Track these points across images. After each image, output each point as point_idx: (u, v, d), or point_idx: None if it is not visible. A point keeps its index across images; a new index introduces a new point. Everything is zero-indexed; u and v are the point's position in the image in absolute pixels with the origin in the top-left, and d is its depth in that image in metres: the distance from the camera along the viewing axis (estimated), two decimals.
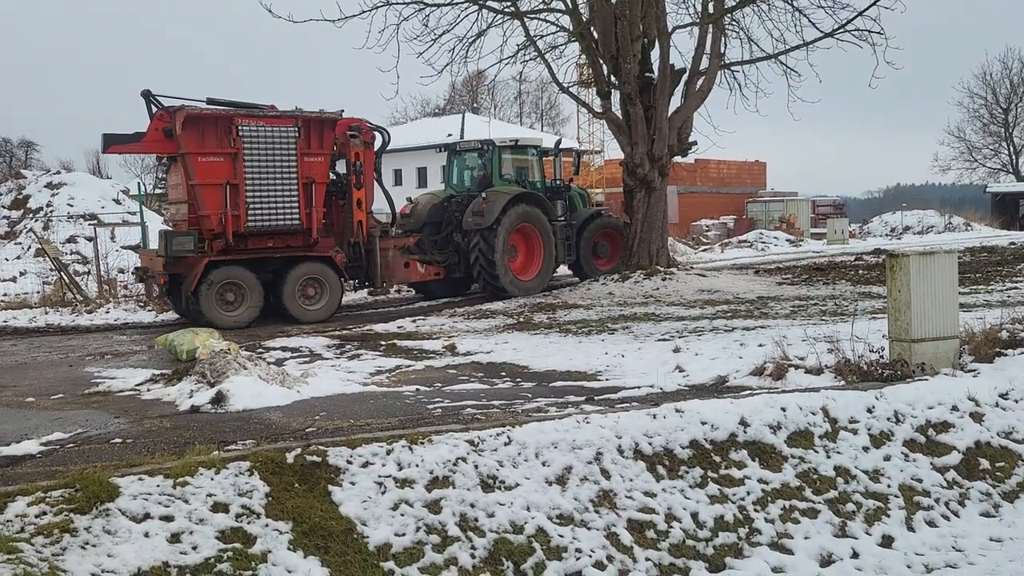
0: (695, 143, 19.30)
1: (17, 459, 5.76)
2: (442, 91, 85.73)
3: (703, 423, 6.43)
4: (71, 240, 24.09)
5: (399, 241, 15.90)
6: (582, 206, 18.83)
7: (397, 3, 17.07)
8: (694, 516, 5.79)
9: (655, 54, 18.41)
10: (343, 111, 14.65)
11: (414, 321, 13.87)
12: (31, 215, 26.75)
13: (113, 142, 13.51)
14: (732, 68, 19.54)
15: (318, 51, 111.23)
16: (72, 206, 26.28)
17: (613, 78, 18.57)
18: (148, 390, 8.28)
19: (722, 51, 18.77)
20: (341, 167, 15.32)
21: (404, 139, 53.01)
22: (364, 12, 16.76)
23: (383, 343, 11.60)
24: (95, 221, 22.89)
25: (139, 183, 18.93)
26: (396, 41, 17.27)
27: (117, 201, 27.87)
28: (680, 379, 8.34)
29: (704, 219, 41.33)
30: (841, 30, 17.84)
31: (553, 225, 17.07)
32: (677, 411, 6.51)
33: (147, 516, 4.58)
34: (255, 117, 13.55)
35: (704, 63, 18.57)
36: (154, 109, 13.40)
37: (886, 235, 42.46)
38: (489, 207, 15.95)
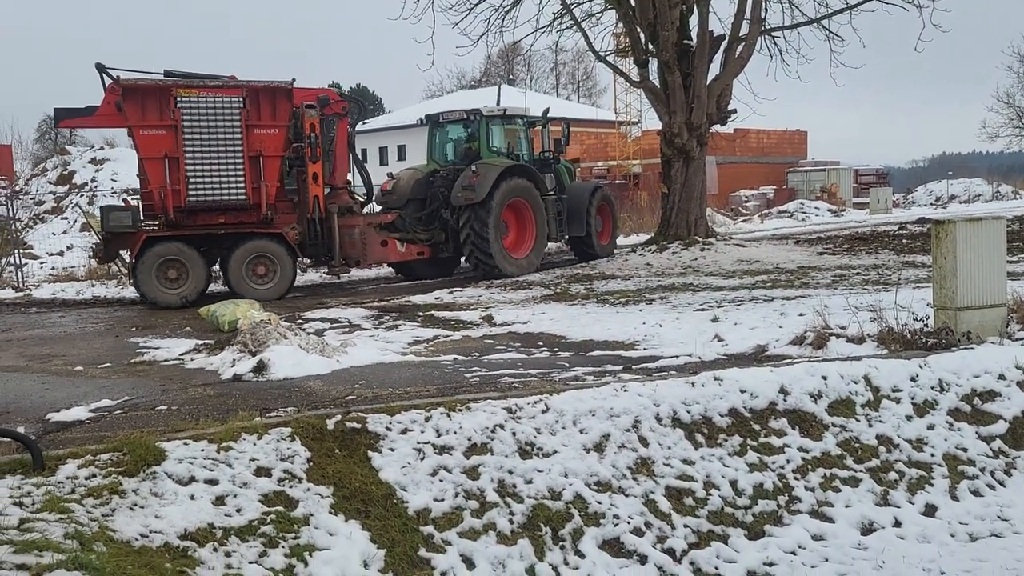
0: (734, 111, 19.01)
1: (67, 425, 5.92)
2: (478, 63, 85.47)
3: (742, 391, 6.39)
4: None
5: (374, 218, 15.12)
6: (569, 181, 17.68)
7: None
8: (733, 484, 5.76)
9: (693, 20, 18.12)
10: (294, 80, 13.59)
11: (451, 292, 13.92)
12: (76, 190, 27.30)
13: (65, 116, 13.28)
14: (772, 34, 19.18)
15: (342, 24, 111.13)
16: (116, 181, 26.75)
17: (650, 46, 18.32)
18: (192, 359, 8.42)
19: (762, 16, 18.41)
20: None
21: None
22: None
23: (420, 314, 11.66)
24: (138, 195, 23.19)
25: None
26: (432, 11, 17.24)
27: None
28: (719, 348, 8.28)
29: (743, 190, 40.77)
30: None
31: (545, 200, 16.03)
32: (716, 379, 6.47)
33: (192, 479, 4.67)
34: (196, 88, 12.82)
35: (744, 29, 18.23)
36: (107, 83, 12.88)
37: (931, 204, 41.61)
38: (480, 180, 14.79)
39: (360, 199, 15.75)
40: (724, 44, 18.37)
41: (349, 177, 15.71)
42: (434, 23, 17.43)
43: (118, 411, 6.30)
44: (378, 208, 16.23)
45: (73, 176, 28.34)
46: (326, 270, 15.39)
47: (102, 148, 32.23)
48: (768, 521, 5.63)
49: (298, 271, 14.71)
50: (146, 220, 13.36)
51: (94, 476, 4.46)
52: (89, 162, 28.82)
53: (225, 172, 12.96)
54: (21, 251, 16.36)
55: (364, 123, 58.85)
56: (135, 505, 4.32)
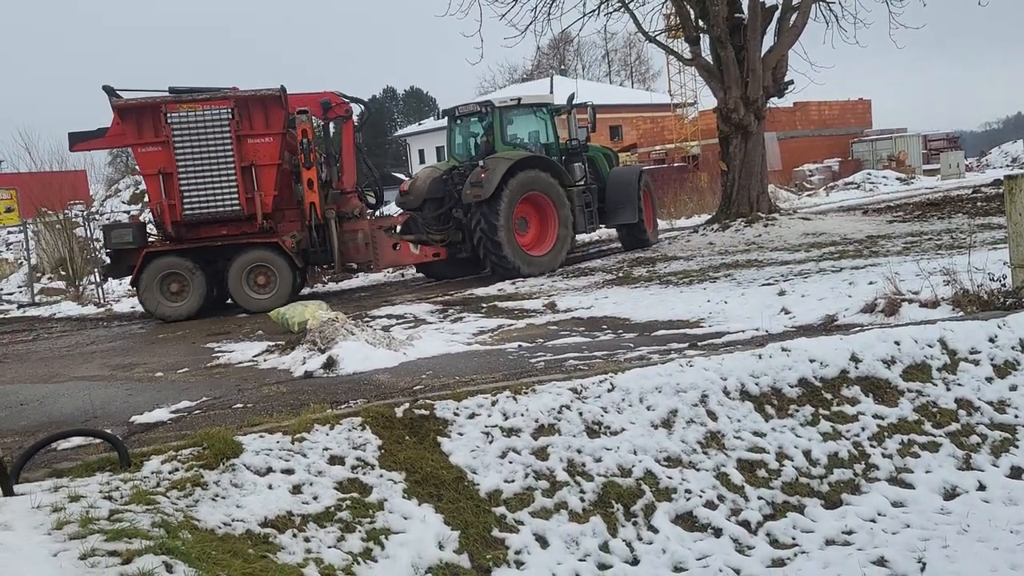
0: (791, 82, 18.61)
1: (150, 426, 6.15)
2: (528, 55, 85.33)
3: (811, 361, 6.29)
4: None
5: (383, 221, 14.76)
6: (608, 168, 16.78)
7: None
8: (806, 454, 5.68)
9: None
10: (283, 87, 13.30)
11: (513, 283, 13.97)
12: (148, 208, 28.15)
13: (78, 140, 13.54)
14: (827, 0, 18.69)
15: (392, 27, 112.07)
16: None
17: (701, 22, 18.06)
18: (264, 360, 8.65)
19: None
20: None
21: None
22: None
23: (484, 305, 11.75)
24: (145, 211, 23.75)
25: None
26: (478, 5, 17.28)
27: None
28: (786, 321, 8.14)
29: (807, 164, 39.83)
30: None
31: (569, 191, 15.04)
32: (784, 350, 6.37)
33: (269, 470, 4.82)
34: (185, 102, 12.86)
35: None
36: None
37: (1007, 166, 40.04)
38: (488, 176, 14.01)
39: (372, 201, 15.36)
40: (777, 14, 17.99)
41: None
42: (481, 16, 17.54)
43: (197, 411, 6.52)
44: (399, 210, 15.82)
45: (145, 195, 29.29)
46: (328, 277, 15.03)
47: None
48: (845, 490, 5.54)
49: (304, 278, 14.46)
50: (158, 235, 13.66)
51: (177, 470, 4.64)
52: None
53: (218, 184, 12.97)
54: (101, 269, 16.93)
55: (420, 124, 59.47)
56: (217, 496, 4.48)
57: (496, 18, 18.01)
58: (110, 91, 13.04)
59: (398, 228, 14.90)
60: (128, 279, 14.19)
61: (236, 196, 12.96)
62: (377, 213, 15.72)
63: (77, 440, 5.36)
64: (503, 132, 15.16)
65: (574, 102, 15.99)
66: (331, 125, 14.67)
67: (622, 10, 18.76)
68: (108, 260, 13.96)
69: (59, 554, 3.34)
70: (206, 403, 6.77)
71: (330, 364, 7.67)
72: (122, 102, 12.96)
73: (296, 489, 4.72)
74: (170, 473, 4.59)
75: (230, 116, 12.83)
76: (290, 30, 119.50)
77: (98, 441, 5.26)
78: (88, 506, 3.92)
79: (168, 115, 12.73)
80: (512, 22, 18.34)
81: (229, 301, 13.93)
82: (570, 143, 15.90)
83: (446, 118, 16.25)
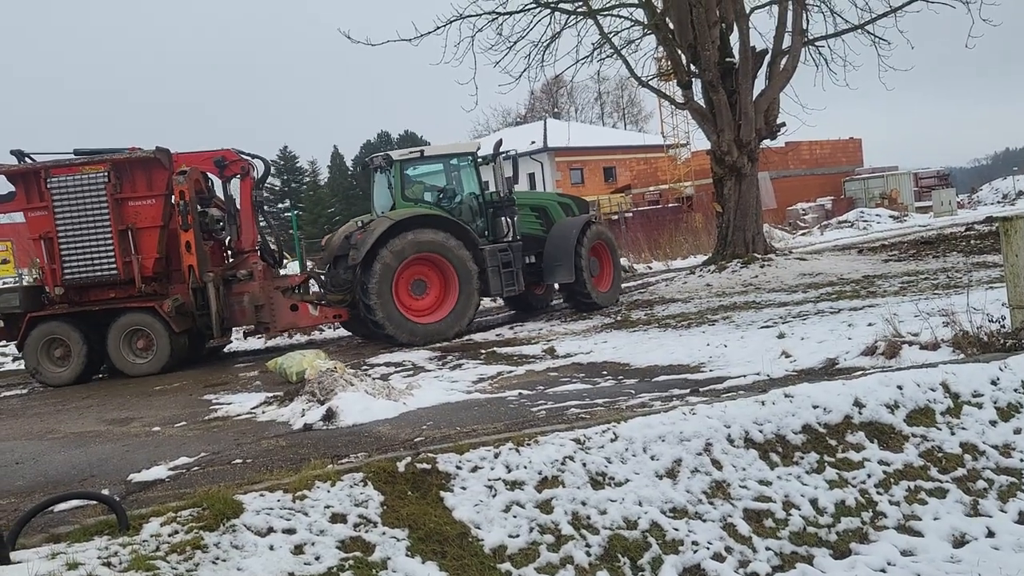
0: (783, 125, 18.82)
1: (148, 484, 6.06)
2: (522, 99, 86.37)
3: (815, 407, 6.25)
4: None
5: (280, 281, 13.94)
6: (557, 218, 15.29)
7: (471, 15, 17.31)
8: (813, 502, 5.62)
9: (734, 38, 18.07)
10: (157, 147, 13.08)
11: (511, 328, 13.95)
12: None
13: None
14: (816, 43, 19.01)
15: (386, 72, 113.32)
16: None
17: (693, 67, 18.31)
18: (263, 412, 8.58)
19: (804, 27, 18.29)
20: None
21: (487, 150, 53.60)
22: (439, 28, 17.09)
23: (483, 351, 11.71)
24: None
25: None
26: (472, 53, 17.55)
27: None
28: (787, 365, 8.12)
29: (800, 203, 40.15)
30: None
31: (480, 251, 13.71)
32: (786, 396, 6.34)
33: (271, 530, 4.74)
34: (63, 167, 12.83)
35: (786, 41, 18.11)
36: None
37: (998, 202, 40.35)
38: (364, 238, 13.13)
39: (285, 260, 14.94)
40: (767, 58, 18.26)
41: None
42: (475, 64, 17.73)
43: (196, 467, 6.43)
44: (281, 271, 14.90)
45: None
46: (211, 342, 14.03)
47: None
48: (853, 539, 5.47)
49: (195, 341, 13.74)
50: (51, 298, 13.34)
51: (176, 532, 4.56)
52: None
53: (94, 248, 12.86)
54: None
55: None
56: (217, 559, 4.40)
57: (490, 65, 18.23)
58: (19, 155, 13.15)
59: (301, 288, 13.97)
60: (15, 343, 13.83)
61: (113, 260, 12.86)
62: (284, 273, 14.98)
63: (75, 501, 5.27)
64: (402, 187, 14.04)
65: (500, 150, 14.64)
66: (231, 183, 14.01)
67: (615, 56, 19.02)
68: None
69: None
70: (205, 459, 6.69)
71: (330, 416, 7.61)
72: (7, 168, 13.03)
73: (298, 549, 4.64)
74: (170, 536, 4.51)
75: (106, 179, 12.78)
76: (289, 78, 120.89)
77: (95, 502, 5.18)
78: (87, 574, 3.84)
79: (48, 180, 12.80)
80: (506, 69, 18.55)
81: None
82: (495, 195, 14.55)
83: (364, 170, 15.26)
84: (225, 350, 15.60)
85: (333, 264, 14.14)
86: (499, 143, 14.82)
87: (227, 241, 14.22)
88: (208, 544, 4.47)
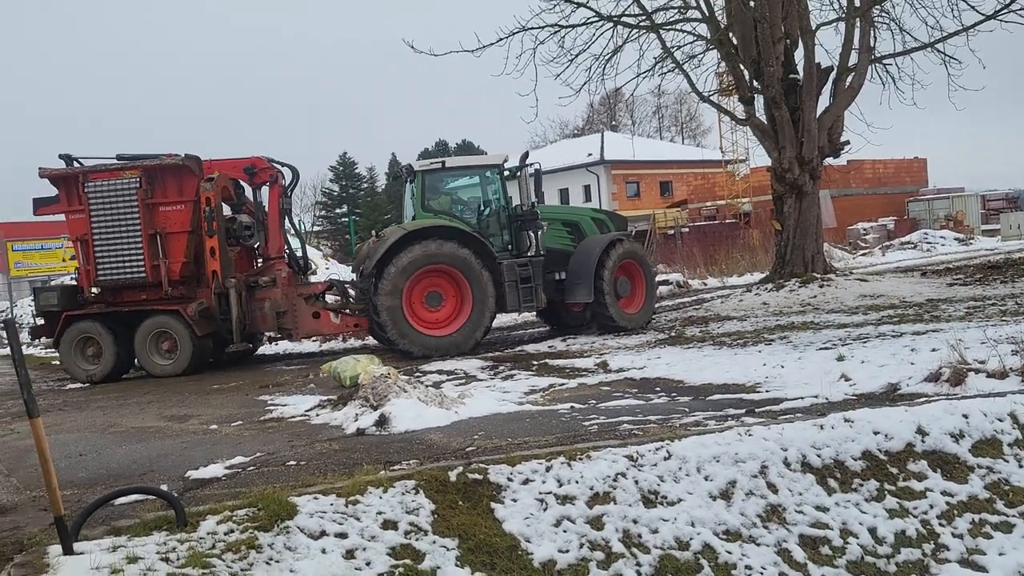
0: (847, 143, 18.47)
1: (205, 482, 6.18)
2: (580, 111, 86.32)
3: (875, 432, 6.10)
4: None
5: (304, 289, 14.20)
6: (599, 234, 14.78)
7: (533, 28, 17.36)
8: (872, 531, 5.48)
9: (799, 54, 17.82)
10: (186, 155, 13.45)
11: (564, 340, 13.91)
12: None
13: (41, 204, 14.08)
14: (884, 61, 18.63)
15: (445, 82, 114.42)
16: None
17: (755, 83, 18.09)
18: (317, 415, 8.68)
19: (872, 44, 17.94)
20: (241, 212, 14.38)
21: (544, 162, 53.68)
22: (501, 40, 17.16)
23: (535, 363, 11.69)
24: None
25: (300, 220, 19.93)
26: (533, 65, 17.56)
27: None
28: (846, 388, 7.93)
29: (861, 222, 39.33)
30: (1005, 10, 16.63)
31: (499, 264, 13.52)
32: (846, 421, 6.20)
33: (323, 533, 4.79)
34: (100, 172, 13.40)
35: (853, 59, 17.79)
36: None
37: None
38: (376, 248, 13.19)
39: (312, 267, 15.10)
40: (833, 75, 17.96)
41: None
42: (536, 76, 17.74)
43: (251, 467, 6.54)
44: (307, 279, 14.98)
45: None
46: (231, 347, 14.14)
47: None
48: (913, 571, 5.32)
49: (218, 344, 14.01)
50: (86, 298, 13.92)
51: (232, 531, 4.64)
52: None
53: (125, 251, 13.34)
54: (30, 331, 16.82)
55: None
56: (271, 560, 4.46)
57: (551, 77, 18.26)
58: (67, 159, 13.69)
59: (321, 297, 14.19)
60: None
61: (142, 263, 13.30)
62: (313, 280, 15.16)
63: (136, 495, 5.40)
64: (423, 198, 13.86)
65: (526, 163, 14.29)
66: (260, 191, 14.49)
67: (676, 71, 18.89)
68: (40, 321, 14.31)
69: None
70: (260, 459, 6.79)
71: (382, 422, 7.66)
72: (50, 171, 13.57)
73: (349, 554, 4.68)
74: (225, 534, 4.58)
75: (138, 185, 13.22)
76: (350, 85, 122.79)
77: (154, 497, 5.30)
78: (146, 569, 3.93)
79: (86, 184, 13.33)
80: (567, 81, 18.55)
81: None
82: (519, 208, 14.17)
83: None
84: (262, 351, 15.94)
85: (360, 272, 14.23)
86: (525, 155, 14.63)
87: (256, 247, 14.56)
88: (262, 544, 4.54)
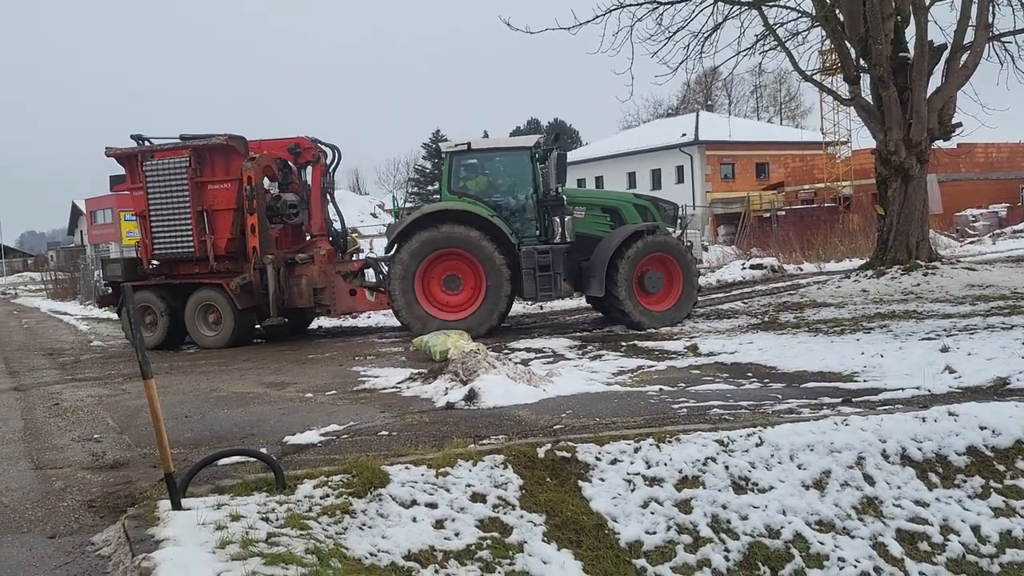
0: (959, 125, 17.54)
1: (301, 447, 6.40)
2: (674, 91, 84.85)
3: (982, 428, 5.86)
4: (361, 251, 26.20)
5: (342, 266, 14.52)
6: (653, 218, 14.07)
7: (631, 4, 17.04)
8: (975, 529, 5.28)
9: (909, 31, 16.98)
10: (230, 135, 13.94)
11: None
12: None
13: (116, 182, 15.08)
14: (1003, 39, 17.59)
15: (539, 61, 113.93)
16: (334, 221, 28.81)
17: (862, 61, 17.35)
18: (408, 387, 8.86)
19: (990, 21, 16.95)
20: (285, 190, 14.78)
21: (636, 142, 53.06)
22: (598, 17, 16.90)
23: (624, 344, 11.63)
24: (356, 234, 24.89)
25: (393, 197, 20.26)
26: (630, 43, 17.21)
27: (374, 215, 30.28)
28: (950, 380, 7.61)
29: (970, 209, 37.50)
30: None
31: (514, 250, 13.14)
32: (950, 414, 5.97)
33: (414, 503, 4.90)
34: (156, 152, 14.09)
35: (968, 36, 16.85)
36: None
37: None
38: (393, 228, 13.50)
39: (356, 245, 15.42)
40: (946, 54, 17.07)
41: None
42: (632, 54, 17.41)
43: (345, 435, 6.73)
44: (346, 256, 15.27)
45: None
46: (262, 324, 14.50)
47: None
48: (1019, 573, 5.09)
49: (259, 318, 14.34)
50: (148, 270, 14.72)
51: (327, 496, 4.79)
52: None
53: (177, 227, 13.99)
54: (96, 299, 17.99)
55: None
56: (364, 525, 4.59)
57: (647, 55, 17.92)
58: (138, 139, 14.43)
59: (359, 275, 14.43)
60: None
61: (191, 238, 13.94)
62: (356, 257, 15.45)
63: (237, 457, 5.63)
64: (451, 179, 13.66)
65: (555, 145, 13.86)
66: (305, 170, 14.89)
67: (778, 49, 18.29)
68: (107, 290, 15.35)
69: (222, 574, 3.50)
70: (353, 428, 6.98)
71: (471, 397, 7.77)
72: (115, 151, 14.38)
73: (439, 524, 4.78)
74: (321, 498, 4.74)
75: (187, 164, 13.81)
76: (443, 64, 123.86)
77: (253, 460, 5.52)
78: (248, 527, 4.09)
79: (144, 163, 14.06)
80: (664, 60, 18.14)
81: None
82: (546, 193, 13.60)
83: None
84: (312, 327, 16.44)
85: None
86: (556, 136, 14.25)
87: (302, 225, 14.95)
88: (356, 510, 4.68)
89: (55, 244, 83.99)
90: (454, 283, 13.29)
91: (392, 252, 13.29)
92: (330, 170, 15.00)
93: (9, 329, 20.56)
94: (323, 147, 14.83)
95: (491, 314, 13.12)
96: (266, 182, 14.45)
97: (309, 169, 14.93)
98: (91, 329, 19.21)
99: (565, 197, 13.55)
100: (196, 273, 14.33)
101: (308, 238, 14.99)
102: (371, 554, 4.29)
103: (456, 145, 13.89)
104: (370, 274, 14.53)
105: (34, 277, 53.34)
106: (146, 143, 14.45)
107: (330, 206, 15.15)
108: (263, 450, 5.78)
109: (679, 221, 15.28)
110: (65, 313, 25.25)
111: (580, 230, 13.71)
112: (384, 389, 8.96)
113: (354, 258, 15.27)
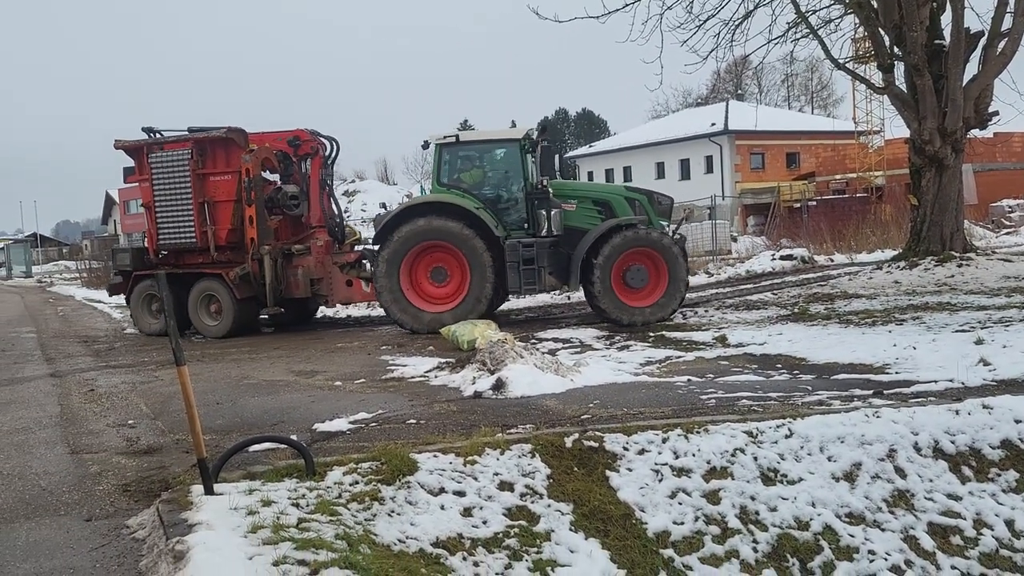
0: (996, 114, 17.24)
1: (331, 435, 6.46)
2: (704, 80, 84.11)
3: (1017, 421, 5.78)
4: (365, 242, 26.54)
5: (338, 257, 14.58)
6: (630, 215, 13.45)
7: None
8: (1009, 524, 5.21)
9: (945, 18, 16.71)
10: (229, 128, 14.07)
11: (682, 314, 13.70)
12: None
13: (128, 173, 15.34)
14: None
15: (567, 51, 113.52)
16: (364, 211, 29.06)
17: (896, 49, 17.10)
18: (436, 376, 8.90)
19: None
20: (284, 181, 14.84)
21: (665, 132, 52.70)
22: (627, 5, 16.78)
23: (651, 334, 11.58)
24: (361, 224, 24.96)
25: (421, 187, 20.34)
26: (659, 31, 17.09)
27: None
28: (985, 373, 7.50)
29: (1006, 199, 36.82)
30: None
31: (503, 243, 12.96)
32: (985, 407, 5.89)
33: (442, 490, 4.94)
34: (161, 144, 14.27)
35: (1007, 22, 16.53)
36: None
37: None
38: (378, 220, 13.73)
39: (356, 235, 15.48)
40: (983, 41, 16.76)
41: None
42: (662, 43, 17.37)
43: (373, 423, 6.79)
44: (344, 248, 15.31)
45: None
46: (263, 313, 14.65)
47: (353, 181, 35.12)
48: None
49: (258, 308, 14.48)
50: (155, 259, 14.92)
51: (357, 483, 4.84)
52: (343, 194, 31.57)
53: (180, 217, 14.21)
54: (107, 287, 18.03)
55: (591, 146, 59.83)
56: (392, 512, 4.63)
57: (676, 44, 17.78)
58: (149, 131, 14.70)
59: (356, 266, 14.44)
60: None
61: (193, 229, 14.16)
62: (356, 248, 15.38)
63: (268, 443, 5.70)
64: (439, 172, 13.62)
65: (542, 137, 13.52)
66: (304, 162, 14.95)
67: (810, 36, 18.06)
68: (117, 279, 15.56)
69: (254, 558, 3.55)
70: (381, 416, 7.04)
71: (499, 386, 7.79)
72: (123, 143, 14.62)
73: (467, 512, 4.81)
74: (351, 485, 4.79)
75: (189, 156, 14.01)
76: (471, 52, 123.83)
77: (284, 447, 5.58)
78: (279, 512, 4.15)
79: (150, 155, 14.25)
80: (694, 48, 18.00)
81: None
82: (534, 187, 13.33)
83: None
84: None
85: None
86: (543, 128, 13.92)
87: (302, 217, 15.00)
88: (385, 497, 4.72)
89: (89, 233, 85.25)
90: (441, 275, 13.29)
91: (378, 245, 13.33)
92: (329, 162, 15.21)
93: (45, 317, 20.92)
94: (322, 139, 15.04)
95: (476, 306, 12.98)
96: (268, 174, 14.67)
97: (309, 161, 15.08)
98: (124, 317, 19.45)
99: (551, 190, 13.31)
100: (199, 263, 14.57)
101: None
102: (400, 540, 4.33)
103: (444, 137, 13.71)
104: (367, 265, 14.58)
105: (69, 266, 54.15)
106: (157, 135, 14.72)
107: (328, 197, 15.29)
108: (293, 437, 5.85)
109: (673, 215, 14.86)
110: (99, 301, 25.61)
111: (570, 223, 13.43)
112: (412, 378, 9.01)
113: (354, 249, 15.35)
